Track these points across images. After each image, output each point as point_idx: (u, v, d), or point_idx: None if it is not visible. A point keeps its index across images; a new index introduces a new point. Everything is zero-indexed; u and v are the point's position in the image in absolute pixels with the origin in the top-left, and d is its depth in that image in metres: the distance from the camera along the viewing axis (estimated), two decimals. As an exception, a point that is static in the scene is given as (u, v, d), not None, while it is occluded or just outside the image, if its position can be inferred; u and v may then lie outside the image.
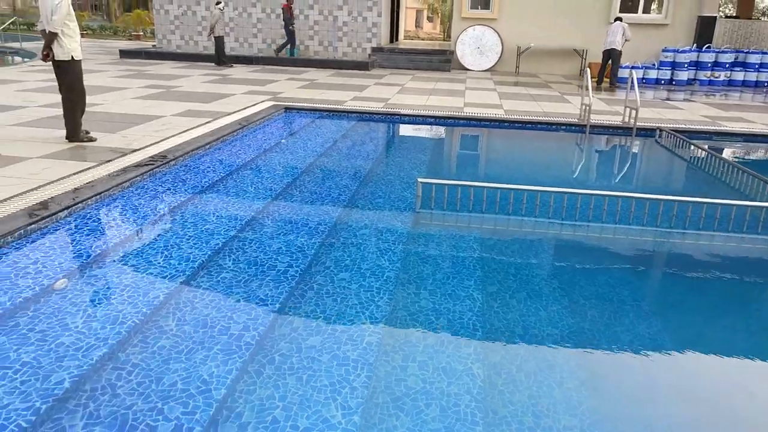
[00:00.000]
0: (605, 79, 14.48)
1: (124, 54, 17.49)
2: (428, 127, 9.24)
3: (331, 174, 6.28)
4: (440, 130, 9.13)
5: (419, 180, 5.15)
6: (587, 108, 8.64)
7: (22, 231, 3.90)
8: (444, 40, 31.02)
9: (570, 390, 2.72)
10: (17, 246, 3.79)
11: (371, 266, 3.88)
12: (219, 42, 15.67)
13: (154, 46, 19.30)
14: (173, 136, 6.96)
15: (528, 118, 9.32)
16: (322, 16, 17.34)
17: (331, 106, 9.67)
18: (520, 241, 4.64)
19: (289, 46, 16.88)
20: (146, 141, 6.64)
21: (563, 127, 9.09)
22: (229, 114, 8.56)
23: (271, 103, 9.74)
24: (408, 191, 5.62)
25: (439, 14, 44.24)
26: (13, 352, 2.68)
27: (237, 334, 2.98)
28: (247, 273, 3.69)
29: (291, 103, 9.73)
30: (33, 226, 4.00)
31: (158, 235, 4.25)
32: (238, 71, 14.82)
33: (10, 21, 22.18)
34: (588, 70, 9.21)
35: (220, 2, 15.55)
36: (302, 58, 17.00)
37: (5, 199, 4.44)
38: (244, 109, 9.09)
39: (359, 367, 2.77)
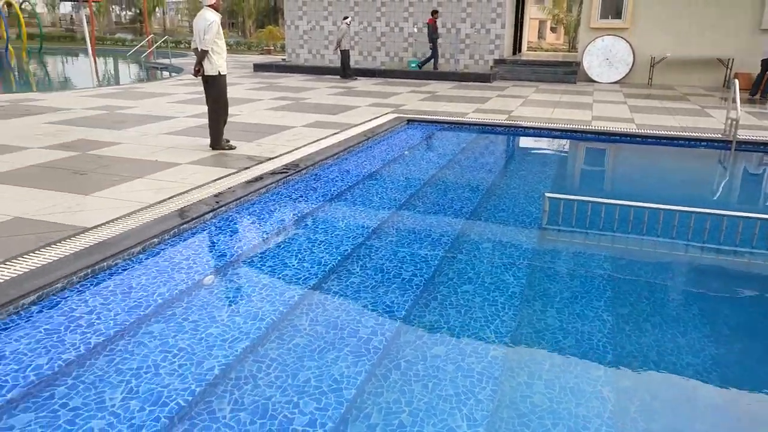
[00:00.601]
0: (759, 92, 13.28)
1: (257, 67, 18.76)
2: (553, 140, 9.00)
3: (454, 186, 6.32)
4: (566, 144, 8.86)
5: (546, 195, 5.04)
6: (734, 122, 7.97)
7: (175, 230, 4.32)
8: (569, 51, 30.05)
9: (717, 429, 2.54)
10: (172, 243, 4.20)
11: (495, 280, 3.86)
12: (345, 55, 16.32)
13: (283, 59, 20.51)
14: (304, 146, 7.36)
15: (663, 133, 8.78)
16: (444, 29, 17.49)
17: (453, 119, 9.73)
18: (655, 263, 4.39)
19: (432, 60, 16.99)
20: (279, 150, 7.08)
21: (704, 143, 8.46)
22: (355, 126, 8.89)
23: (395, 115, 9.98)
24: (533, 206, 5.52)
25: (564, 25, 42.94)
26: (171, 338, 2.98)
27: (365, 337, 3.10)
28: (373, 279, 3.82)
29: (413, 115, 9.91)
30: (184, 225, 4.42)
31: (292, 239, 4.52)
32: (362, 84, 15.34)
33: (162, 40, 24.58)
34: (736, 81, 8.49)
35: (348, 17, 16.21)
36: (424, 70, 17.25)
37: (162, 201, 4.94)
38: (369, 121, 9.39)
39: (484, 380, 2.77)
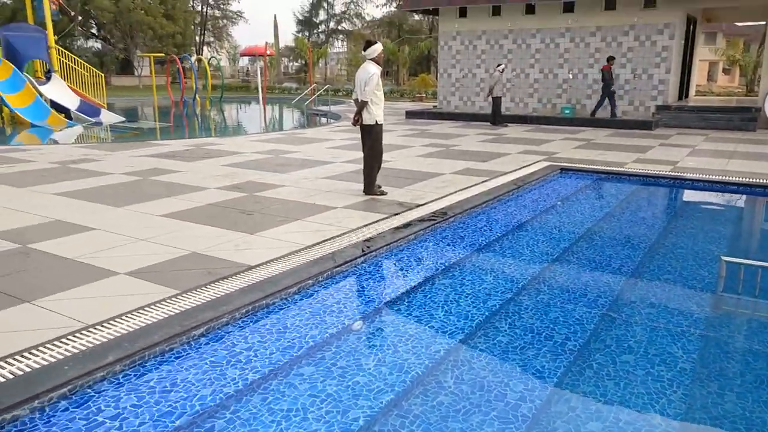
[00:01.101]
0: None
1: (409, 114, 19.40)
2: (728, 195, 8.12)
3: (612, 242, 5.91)
4: (744, 200, 7.94)
5: (723, 258, 4.51)
6: None
7: (328, 272, 4.49)
8: (745, 94, 27.36)
9: None
10: (324, 285, 4.37)
11: (661, 352, 3.48)
12: (496, 102, 16.32)
13: (434, 106, 21.01)
14: (452, 193, 7.38)
15: None
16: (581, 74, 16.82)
17: (611, 168, 9.20)
18: None
19: (610, 107, 16.21)
20: (428, 196, 7.16)
21: None
22: (505, 173, 8.75)
23: (547, 163, 9.69)
24: (705, 269, 4.97)
25: (739, 66, 39.28)
26: (320, 382, 3.05)
27: (513, 403, 2.93)
28: (523, 339, 3.64)
29: (567, 164, 9.54)
30: (337, 269, 4.58)
31: (439, 289, 4.48)
32: (513, 130, 15.17)
33: (323, 89, 26.48)
34: None
35: (501, 65, 16.25)
36: (578, 117, 16.65)
37: (317, 243, 5.19)
38: (519, 168, 9.21)
39: (649, 470, 2.46)
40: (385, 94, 7.42)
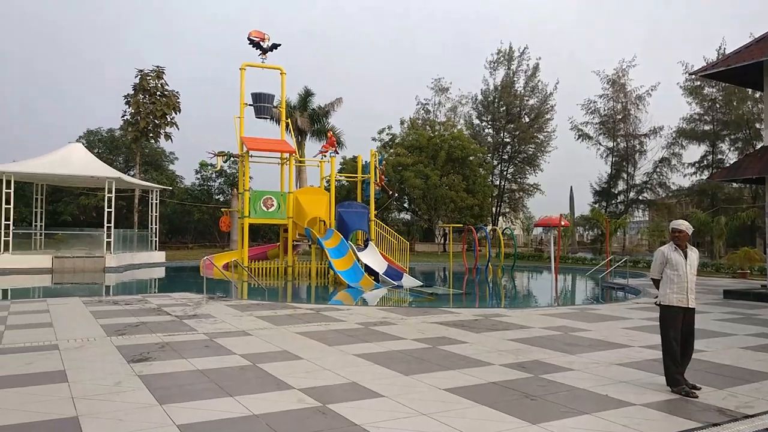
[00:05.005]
0: None
1: (729, 294, 16.70)
2: None
3: None
4: None
5: None
6: None
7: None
8: None
9: None
10: None
11: None
12: None
13: (763, 286, 17.77)
14: (796, 404, 5.76)
15: None
16: None
17: None
18: None
19: None
20: (761, 406, 5.70)
21: None
22: None
23: None
24: None
25: None
26: None
27: None
28: None
29: None
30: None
31: None
32: None
33: (622, 261, 24.99)
34: None
35: None
36: None
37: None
38: None
39: None
40: (698, 268, 6.64)
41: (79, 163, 27.23)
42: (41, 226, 29.91)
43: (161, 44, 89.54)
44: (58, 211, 37.53)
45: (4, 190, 24.32)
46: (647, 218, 54.24)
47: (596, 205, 47.81)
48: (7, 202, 24.30)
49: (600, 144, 48.89)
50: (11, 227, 24.52)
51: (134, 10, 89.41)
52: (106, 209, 25.67)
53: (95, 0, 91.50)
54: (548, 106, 49.20)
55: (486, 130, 51.69)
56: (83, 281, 21.53)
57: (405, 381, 6.57)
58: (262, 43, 25.13)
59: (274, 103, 26.90)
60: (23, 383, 6.31)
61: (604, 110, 48.37)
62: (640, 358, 7.93)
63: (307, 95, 40.98)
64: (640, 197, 49.45)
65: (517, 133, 49.25)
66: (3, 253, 24.14)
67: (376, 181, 24.75)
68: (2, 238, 24.28)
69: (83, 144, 32.99)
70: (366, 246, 22.49)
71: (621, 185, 49.33)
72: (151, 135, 37.18)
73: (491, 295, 19.72)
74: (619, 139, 48.31)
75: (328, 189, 25.21)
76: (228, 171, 43.18)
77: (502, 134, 50.18)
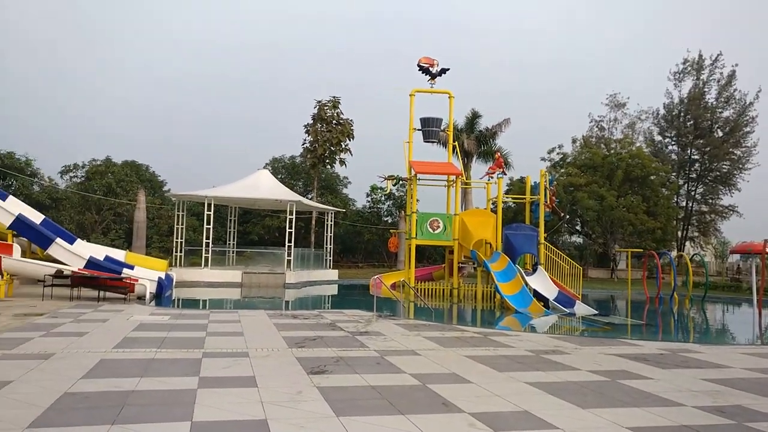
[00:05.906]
0: None
1: None
2: None
3: None
4: None
5: None
6: None
7: None
8: None
9: None
10: None
11: None
12: None
13: None
14: None
15: None
16: None
17: None
18: None
19: None
20: None
21: None
22: None
23: None
24: None
25: None
26: None
27: None
28: None
29: None
30: None
31: None
32: None
33: None
34: None
35: None
36: None
37: None
38: None
39: None
40: None
41: (265, 187, 30.18)
42: (233, 244, 33.55)
43: (343, 74, 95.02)
44: (247, 231, 41.79)
45: (205, 213, 27.69)
46: None
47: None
48: (208, 223, 27.60)
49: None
50: (210, 245, 27.76)
51: (328, 52, 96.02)
52: (287, 230, 28.00)
53: (295, 42, 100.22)
54: (748, 117, 43.67)
55: (670, 147, 47.37)
56: (267, 295, 23.63)
57: (582, 414, 6.14)
58: (431, 69, 25.79)
59: (442, 127, 27.37)
60: (222, 384, 7.04)
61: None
62: None
63: (474, 117, 41.05)
64: None
65: (708, 149, 44.35)
66: (204, 268, 27.45)
67: (546, 202, 23.87)
68: (203, 255, 27.61)
69: (269, 170, 36.53)
70: (535, 270, 21.70)
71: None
72: (327, 161, 39.90)
73: (677, 328, 17.80)
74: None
75: (494, 211, 24.86)
76: (396, 194, 44.74)
77: (689, 151, 45.56)
